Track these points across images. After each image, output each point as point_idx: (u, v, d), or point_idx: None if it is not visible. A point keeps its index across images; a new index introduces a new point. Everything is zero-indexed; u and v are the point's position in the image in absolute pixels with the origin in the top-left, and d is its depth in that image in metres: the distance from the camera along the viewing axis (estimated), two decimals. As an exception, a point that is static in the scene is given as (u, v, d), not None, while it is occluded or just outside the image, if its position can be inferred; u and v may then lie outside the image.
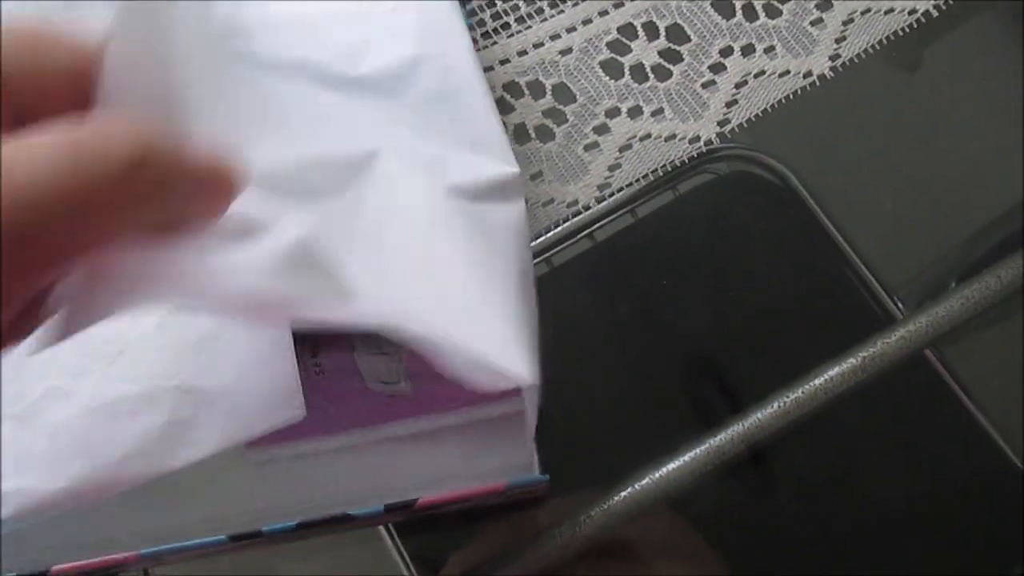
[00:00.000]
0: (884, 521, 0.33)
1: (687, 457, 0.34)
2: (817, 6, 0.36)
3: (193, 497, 0.29)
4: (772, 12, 0.37)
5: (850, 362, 0.32)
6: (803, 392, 0.34)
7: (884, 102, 0.37)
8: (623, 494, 0.34)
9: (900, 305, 0.35)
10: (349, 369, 0.29)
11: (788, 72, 0.35)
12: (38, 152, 0.14)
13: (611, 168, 0.34)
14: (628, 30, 0.37)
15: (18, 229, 0.14)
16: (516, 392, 0.28)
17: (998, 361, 0.34)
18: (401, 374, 0.29)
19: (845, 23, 0.35)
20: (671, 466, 0.34)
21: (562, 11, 0.37)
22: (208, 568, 0.31)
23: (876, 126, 0.38)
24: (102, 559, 0.24)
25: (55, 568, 0.24)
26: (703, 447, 0.34)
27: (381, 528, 0.32)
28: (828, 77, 0.35)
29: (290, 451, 0.29)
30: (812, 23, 0.35)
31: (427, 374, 0.29)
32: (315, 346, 0.30)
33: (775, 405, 0.34)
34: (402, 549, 0.33)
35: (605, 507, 0.33)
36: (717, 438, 0.34)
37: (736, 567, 0.32)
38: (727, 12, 0.37)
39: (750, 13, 0.37)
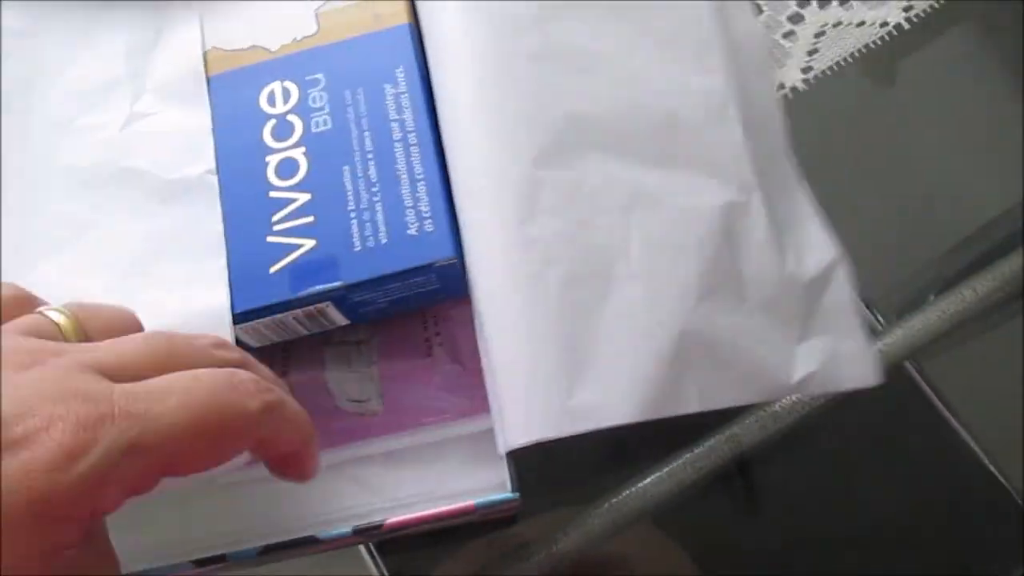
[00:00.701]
0: (866, 533, 0.33)
1: (663, 472, 0.34)
2: (789, 18, 0.36)
3: (158, 518, 0.29)
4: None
5: (827, 375, 0.32)
6: (780, 407, 0.34)
7: (862, 114, 0.38)
8: (600, 510, 0.33)
9: (880, 319, 0.35)
10: (319, 387, 0.29)
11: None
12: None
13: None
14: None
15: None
16: (486, 410, 0.28)
17: (979, 376, 0.34)
18: (372, 392, 0.29)
19: (817, 35, 0.35)
20: (647, 481, 0.34)
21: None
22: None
23: (853, 138, 0.38)
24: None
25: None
26: (679, 462, 0.34)
27: (361, 547, 0.32)
28: (800, 90, 0.34)
29: (257, 472, 0.29)
30: (784, 36, 0.35)
31: (398, 393, 0.29)
32: (284, 364, 0.30)
33: (753, 418, 0.34)
34: (383, 568, 0.32)
35: (582, 524, 0.33)
36: (694, 452, 0.34)
37: (716, 582, 0.32)
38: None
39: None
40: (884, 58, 0.35)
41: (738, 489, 0.33)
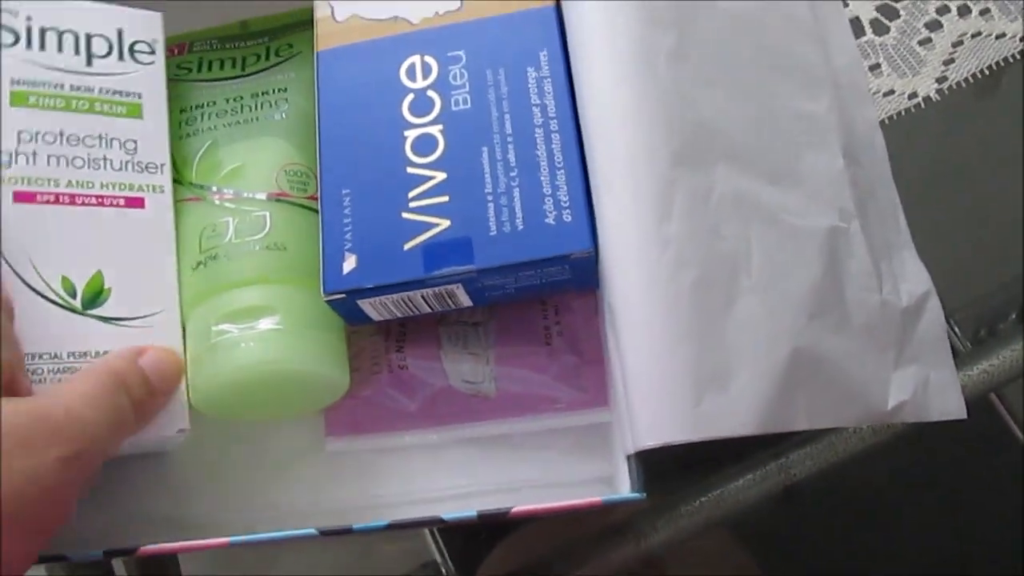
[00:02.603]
0: (923, 554, 0.33)
1: (756, 475, 0.34)
2: (927, 25, 0.35)
3: (271, 483, 0.29)
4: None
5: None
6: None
7: (965, 125, 0.37)
8: (691, 507, 0.33)
9: (956, 329, 0.35)
10: (434, 367, 0.29)
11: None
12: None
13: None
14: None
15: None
16: (599, 403, 0.28)
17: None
18: (486, 375, 0.29)
19: (955, 45, 0.34)
20: (739, 482, 0.34)
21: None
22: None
23: (954, 147, 0.37)
24: (191, 544, 0.24)
25: (143, 548, 0.24)
26: (774, 464, 0.34)
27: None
28: (934, 99, 0.34)
29: (367, 444, 0.29)
30: (920, 43, 0.34)
31: (512, 378, 0.29)
32: (400, 341, 0.30)
33: (850, 429, 0.34)
34: (440, 543, 0.33)
35: (673, 520, 0.33)
36: (789, 458, 0.34)
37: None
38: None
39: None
40: (993, 71, 0.34)
41: (792, 505, 0.33)
